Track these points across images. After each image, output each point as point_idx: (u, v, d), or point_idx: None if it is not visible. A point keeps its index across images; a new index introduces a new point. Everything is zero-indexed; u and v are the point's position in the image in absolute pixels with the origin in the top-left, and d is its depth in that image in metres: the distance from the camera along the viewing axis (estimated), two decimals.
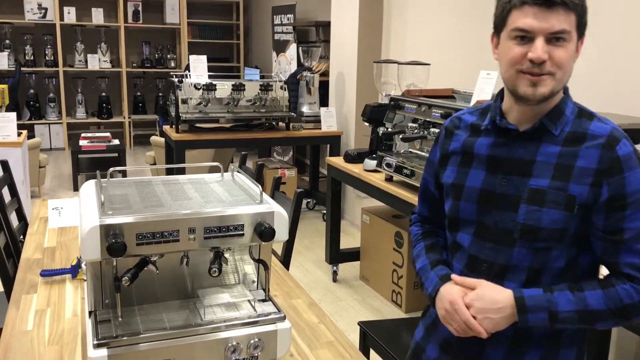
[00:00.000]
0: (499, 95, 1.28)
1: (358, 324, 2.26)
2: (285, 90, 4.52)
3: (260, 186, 1.35)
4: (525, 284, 1.20)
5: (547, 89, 1.13)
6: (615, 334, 2.51)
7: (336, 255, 3.78)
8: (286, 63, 6.43)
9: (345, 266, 3.96)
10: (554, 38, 1.11)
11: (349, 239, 4.54)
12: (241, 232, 1.29)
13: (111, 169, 1.43)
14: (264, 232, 1.26)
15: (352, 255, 3.85)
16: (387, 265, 3.49)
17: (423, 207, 1.46)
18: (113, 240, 1.16)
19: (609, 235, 1.16)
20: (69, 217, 2.47)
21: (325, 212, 4.99)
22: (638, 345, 2.48)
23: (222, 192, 1.43)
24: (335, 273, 3.81)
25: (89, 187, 1.46)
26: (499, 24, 1.19)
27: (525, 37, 1.12)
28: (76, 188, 5.86)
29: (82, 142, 6.01)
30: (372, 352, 2.25)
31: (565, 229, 1.16)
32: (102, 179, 1.45)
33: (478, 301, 1.19)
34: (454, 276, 1.26)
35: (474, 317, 1.18)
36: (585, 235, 1.19)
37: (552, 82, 1.13)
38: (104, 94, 8.05)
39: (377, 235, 3.56)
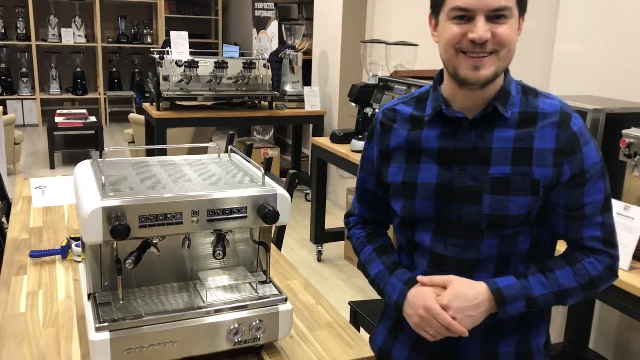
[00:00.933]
0: (437, 82, 1.22)
1: (349, 303, 2.28)
2: (268, 68, 4.47)
3: (262, 169, 1.34)
4: (495, 274, 1.17)
5: (489, 71, 1.08)
6: (597, 312, 2.58)
7: (321, 235, 3.79)
8: (267, 40, 6.35)
9: (330, 246, 3.98)
10: (495, 15, 1.06)
11: (333, 219, 4.56)
12: (244, 215, 1.27)
13: (108, 149, 1.40)
14: (268, 214, 1.25)
15: (337, 235, 3.87)
16: None
17: (362, 209, 1.37)
18: (117, 223, 1.14)
19: (570, 212, 1.15)
20: (53, 196, 2.42)
21: (307, 192, 5.00)
22: (619, 323, 2.55)
23: (221, 174, 1.42)
24: (320, 253, 3.82)
25: (84, 167, 1.43)
26: (437, 4, 1.12)
27: (465, 16, 1.06)
28: (52, 165, 5.74)
29: (57, 119, 5.88)
30: (362, 331, 2.27)
31: (530, 213, 1.14)
32: (99, 159, 1.42)
33: (456, 300, 1.12)
34: (420, 277, 1.19)
35: (454, 317, 1.12)
36: (544, 213, 1.17)
37: (496, 61, 1.08)
38: (78, 69, 7.87)
39: None
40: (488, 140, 1.14)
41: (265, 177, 1.36)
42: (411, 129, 1.22)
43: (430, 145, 1.19)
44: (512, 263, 1.18)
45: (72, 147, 6.16)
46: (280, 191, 1.30)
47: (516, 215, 1.13)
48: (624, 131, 1.78)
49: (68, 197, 2.40)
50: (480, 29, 1.05)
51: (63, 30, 7.68)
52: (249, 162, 1.51)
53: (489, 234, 1.15)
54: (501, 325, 1.20)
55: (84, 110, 6.26)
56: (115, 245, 1.27)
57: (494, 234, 1.15)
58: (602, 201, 1.15)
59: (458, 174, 1.16)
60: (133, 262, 1.21)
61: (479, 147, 1.14)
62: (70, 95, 7.91)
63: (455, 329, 1.12)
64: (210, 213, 1.24)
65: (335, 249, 3.99)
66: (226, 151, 1.61)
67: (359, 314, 2.22)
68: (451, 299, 1.13)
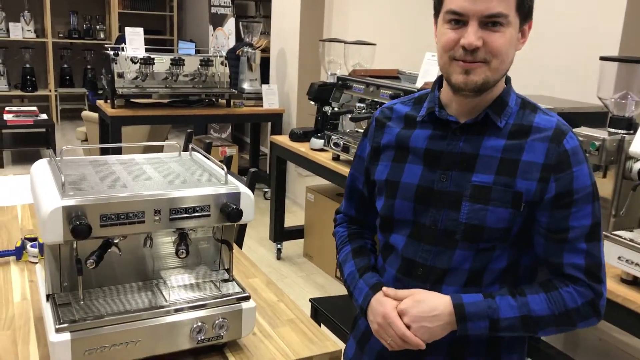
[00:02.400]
0: (437, 84, 1.20)
1: (309, 300, 2.30)
2: (225, 66, 4.44)
3: (225, 167, 1.34)
4: (464, 286, 1.13)
5: (479, 78, 1.05)
6: None
7: (280, 233, 3.80)
8: (224, 38, 6.30)
9: (289, 244, 3.99)
10: (490, 22, 1.03)
11: (291, 217, 4.56)
12: (207, 213, 1.27)
13: (65, 147, 1.37)
14: (232, 213, 1.26)
15: (296, 233, 3.88)
16: (331, 242, 3.54)
17: (349, 207, 1.35)
18: (77, 222, 1.12)
19: (552, 233, 1.09)
20: (5, 196, 2.35)
21: (266, 190, 4.99)
22: None
23: (183, 172, 1.41)
24: (279, 251, 3.83)
25: (41, 165, 1.40)
26: (436, 7, 1.11)
27: (460, 20, 1.04)
28: (1, 165, 5.55)
29: (6, 117, 5.69)
30: (323, 327, 2.29)
31: (509, 228, 1.09)
32: (56, 158, 1.39)
33: (413, 308, 1.09)
34: (385, 289, 1.16)
35: (409, 326, 1.09)
36: (527, 234, 1.12)
37: (487, 70, 1.05)
38: (27, 65, 7.61)
39: (321, 213, 3.60)
40: (476, 147, 1.11)
41: (228, 175, 1.36)
42: (404, 127, 1.20)
43: (418, 145, 1.17)
44: (485, 280, 1.13)
45: (22, 146, 5.97)
46: (244, 189, 1.31)
47: (493, 228, 1.08)
48: (574, 130, 1.85)
49: (21, 196, 2.33)
50: (471, 34, 1.02)
51: (11, 24, 7.41)
52: (210, 160, 1.51)
53: (463, 244, 1.11)
54: (467, 343, 1.15)
55: (35, 108, 6.07)
56: (75, 245, 1.25)
57: (468, 245, 1.11)
58: (589, 227, 1.08)
59: (440, 178, 1.13)
60: (95, 262, 1.19)
61: (465, 153, 1.11)
62: (19, 92, 7.64)
63: (409, 340, 1.09)
64: (173, 212, 1.24)
65: (294, 247, 4.00)
66: (185, 149, 1.60)
67: (320, 311, 2.24)
68: (409, 305, 1.10)
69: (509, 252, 1.12)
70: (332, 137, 2.95)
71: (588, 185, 1.08)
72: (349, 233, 1.33)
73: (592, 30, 2.53)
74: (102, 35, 8.09)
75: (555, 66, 2.69)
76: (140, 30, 4.30)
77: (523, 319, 1.07)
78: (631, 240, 1.58)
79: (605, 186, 1.81)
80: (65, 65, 8.01)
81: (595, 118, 2.08)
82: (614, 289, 1.59)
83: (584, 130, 1.84)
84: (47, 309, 1.25)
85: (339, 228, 1.37)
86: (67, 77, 8.02)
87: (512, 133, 1.10)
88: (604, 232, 1.62)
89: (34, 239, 1.76)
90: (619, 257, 1.60)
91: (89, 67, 8.11)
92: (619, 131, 1.83)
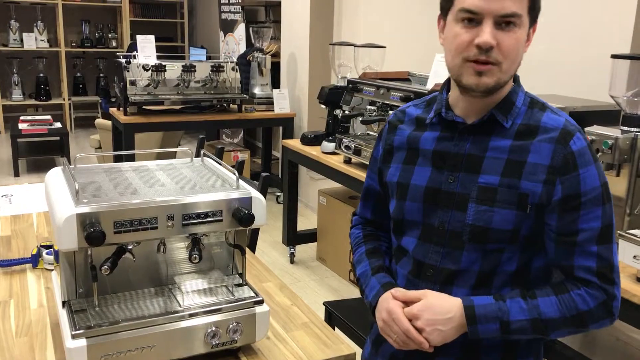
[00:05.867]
0: (445, 86, 1.20)
1: (323, 304, 2.30)
2: (237, 71, 4.46)
3: (236, 172, 1.35)
4: (474, 288, 1.13)
5: (492, 80, 1.04)
6: None
7: (293, 237, 3.80)
8: (234, 43, 6.34)
9: (302, 247, 4.00)
10: (504, 22, 1.01)
11: (304, 220, 4.57)
12: (220, 218, 1.28)
13: (79, 155, 1.39)
14: (244, 217, 1.26)
15: (309, 236, 3.89)
16: (344, 245, 3.54)
17: (365, 209, 1.37)
18: (92, 229, 1.13)
19: (562, 236, 1.08)
20: (20, 205, 2.37)
21: (278, 194, 5.00)
22: None
23: (195, 178, 1.42)
24: (292, 255, 3.84)
25: (55, 174, 1.41)
26: (446, 4, 1.09)
27: (474, 19, 1.02)
28: (17, 173, 5.62)
29: (21, 126, 5.76)
30: (337, 331, 2.29)
31: (517, 230, 1.08)
32: (70, 166, 1.40)
33: (427, 312, 1.09)
34: (393, 291, 1.16)
35: (423, 329, 1.09)
36: (538, 236, 1.11)
37: (498, 72, 1.04)
38: (41, 74, 7.71)
39: (334, 216, 3.60)
40: (483, 149, 1.11)
41: (240, 180, 1.37)
42: (414, 129, 1.21)
43: (426, 147, 1.17)
44: (495, 283, 1.12)
45: (37, 154, 6.04)
46: (255, 194, 1.32)
47: (499, 230, 1.08)
48: (586, 129, 1.84)
49: (36, 204, 2.36)
50: (486, 33, 1.01)
51: (25, 34, 7.51)
52: (222, 165, 1.52)
53: (470, 246, 1.11)
54: (481, 347, 1.15)
55: (49, 117, 6.14)
56: (89, 252, 1.26)
57: (475, 246, 1.11)
58: (599, 230, 1.06)
59: (447, 179, 1.13)
60: (109, 268, 1.20)
61: (472, 155, 1.12)
62: (33, 101, 7.74)
63: (413, 337, 1.09)
64: (186, 217, 1.25)
65: (307, 250, 4.00)
66: (197, 155, 1.62)
67: (334, 314, 2.24)
68: (422, 309, 1.09)
69: (520, 254, 1.11)
70: (344, 140, 2.95)
71: (597, 186, 1.06)
72: (364, 234, 1.35)
73: (604, 28, 2.52)
74: (114, 44, 8.17)
75: (567, 65, 2.67)
76: (152, 37, 4.34)
77: (533, 321, 1.07)
78: None
79: (618, 185, 1.79)
80: (78, 74, 8.10)
81: (608, 116, 2.07)
82: (630, 288, 1.58)
83: (596, 129, 1.83)
84: (63, 315, 1.26)
85: (354, 230, 1.38)
86: (81, 86, 8.10)
87: (518, 133, 1.10)
88: (618, 232, 1.61)
89: (50, 247, 1.78)
90: (635, 256, 1.59)
91: (101, 75, 8.19)
92: (632, 129, 1.82)
